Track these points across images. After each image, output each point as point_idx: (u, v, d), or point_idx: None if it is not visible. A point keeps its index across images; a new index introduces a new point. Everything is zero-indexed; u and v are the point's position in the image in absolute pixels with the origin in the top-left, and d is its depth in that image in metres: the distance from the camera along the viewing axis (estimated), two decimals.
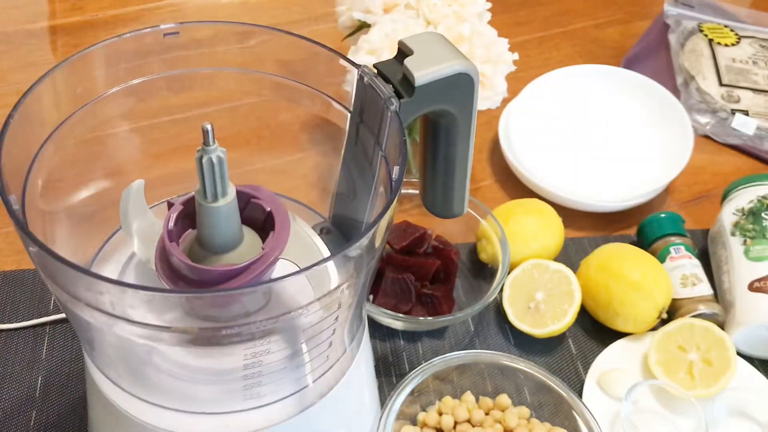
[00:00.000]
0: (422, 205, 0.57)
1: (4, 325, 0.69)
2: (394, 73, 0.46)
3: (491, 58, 0.73)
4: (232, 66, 0.51)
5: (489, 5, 0.77)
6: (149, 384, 0.46)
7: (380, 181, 0.48)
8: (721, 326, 0.69)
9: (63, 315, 0.69)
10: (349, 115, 0.50)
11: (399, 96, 0.45)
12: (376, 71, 0.47)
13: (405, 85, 0.46)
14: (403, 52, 0.47)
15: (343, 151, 0.51)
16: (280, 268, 0.45)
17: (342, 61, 0.49)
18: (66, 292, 0.39)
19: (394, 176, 0.44)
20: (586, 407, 0.60)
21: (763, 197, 0.75)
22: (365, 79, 0.47)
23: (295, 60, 0.51)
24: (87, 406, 0.54)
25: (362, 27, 0.77)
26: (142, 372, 0.46)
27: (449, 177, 0.53)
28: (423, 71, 0.45)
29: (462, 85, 0.47)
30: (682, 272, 0.72)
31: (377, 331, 0.71)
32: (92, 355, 0.47)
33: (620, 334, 0.71)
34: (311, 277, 0.44)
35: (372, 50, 0.70)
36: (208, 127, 0.38)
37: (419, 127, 0.53)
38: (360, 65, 0.47)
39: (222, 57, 0.51)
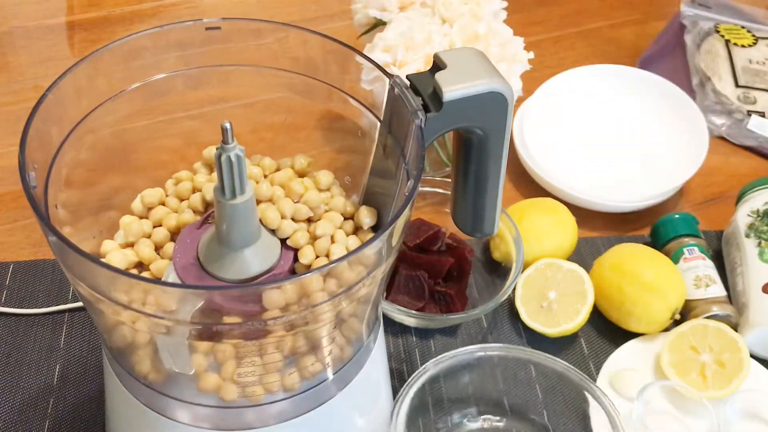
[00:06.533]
0: (440, 211, 0.55)
1: (23, 310, 0.69)
2: (426, 86, 0.45)
3: (506, 56, 0.73)
4: (248, 63, 0.51)
5: (505, 4, 0.77)
6: (165, 375, 0.46)
7: (402, 193, 0.47)
8: (735, 328, 0.69)
9: (81, 303, 0.70)
10: (364, 112, 0.50)
11: (427, 110, 0.44)
12: (408, 83, 0.46)
13: (434, 100, 0.45)
14: (437, 65, 0.46)
15: (371, 160, 0.50)
16: None
17: (358, 58, 0.49)
18: (85, 283, 0.39)
19: (406, 190, 0.43)
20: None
21: None
22: (395, 90, 0.46)
23: (310, 57, 0.51)
24: (104, 395, 0.54)
25: (378, 25, 0.77)
26: (158, 363, 0.46)
27: (480, 195, 0.52)
28: (452, 87, 0.44)
29: (494, 104, 0.46)
30: (695, 273, 0.72)
31: (390, 327, 0.71)
32: (109, 344, 0.48)
33: (633, 335, 0.70)
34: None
35: (387, 48, 0.71)
36: (227, 125, 0.39)
37: (452, 143, 0.52)
38: (392, 75, 0.46)
39: (238, 54, 0.51)
